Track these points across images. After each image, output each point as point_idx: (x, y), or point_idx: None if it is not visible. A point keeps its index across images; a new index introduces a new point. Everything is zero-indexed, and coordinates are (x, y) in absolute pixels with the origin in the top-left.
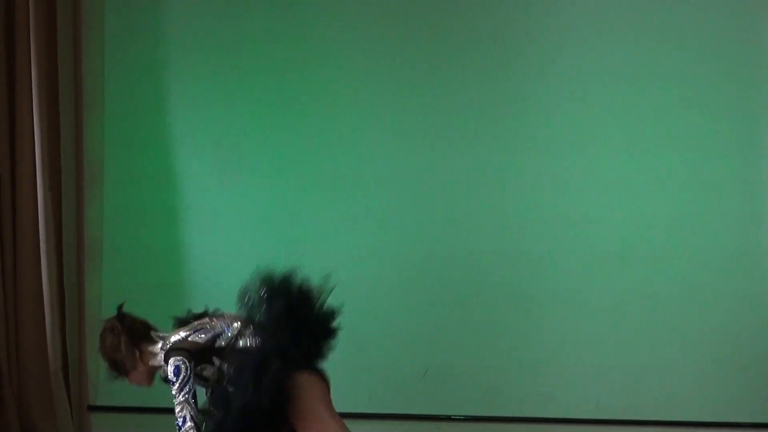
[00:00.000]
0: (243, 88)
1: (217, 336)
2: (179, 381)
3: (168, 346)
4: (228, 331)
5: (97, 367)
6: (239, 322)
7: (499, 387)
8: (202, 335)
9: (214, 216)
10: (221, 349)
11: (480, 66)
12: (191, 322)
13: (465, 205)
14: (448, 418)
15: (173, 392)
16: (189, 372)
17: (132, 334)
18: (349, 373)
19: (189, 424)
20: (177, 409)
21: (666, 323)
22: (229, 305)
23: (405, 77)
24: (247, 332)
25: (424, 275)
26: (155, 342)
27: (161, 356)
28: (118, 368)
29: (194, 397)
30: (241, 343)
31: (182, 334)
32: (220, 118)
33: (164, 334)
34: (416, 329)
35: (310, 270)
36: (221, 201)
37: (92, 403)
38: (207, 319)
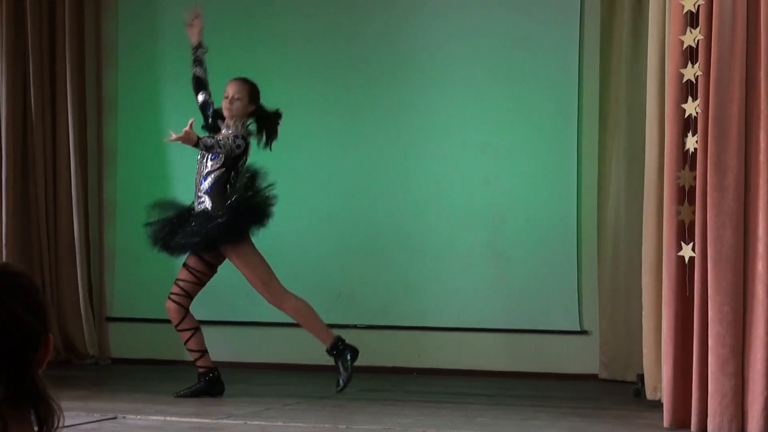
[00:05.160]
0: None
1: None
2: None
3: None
4: None
5: (111, 289)
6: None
7: (389, 304)
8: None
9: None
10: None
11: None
12: None
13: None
14: (354, 326)
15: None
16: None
17: None
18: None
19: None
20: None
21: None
22: None
23: None
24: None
25: (342, 223)
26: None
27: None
28: None
29: None
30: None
31: None
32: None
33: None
34: (332, 261)
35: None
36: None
37: (109, 315)
38: None
